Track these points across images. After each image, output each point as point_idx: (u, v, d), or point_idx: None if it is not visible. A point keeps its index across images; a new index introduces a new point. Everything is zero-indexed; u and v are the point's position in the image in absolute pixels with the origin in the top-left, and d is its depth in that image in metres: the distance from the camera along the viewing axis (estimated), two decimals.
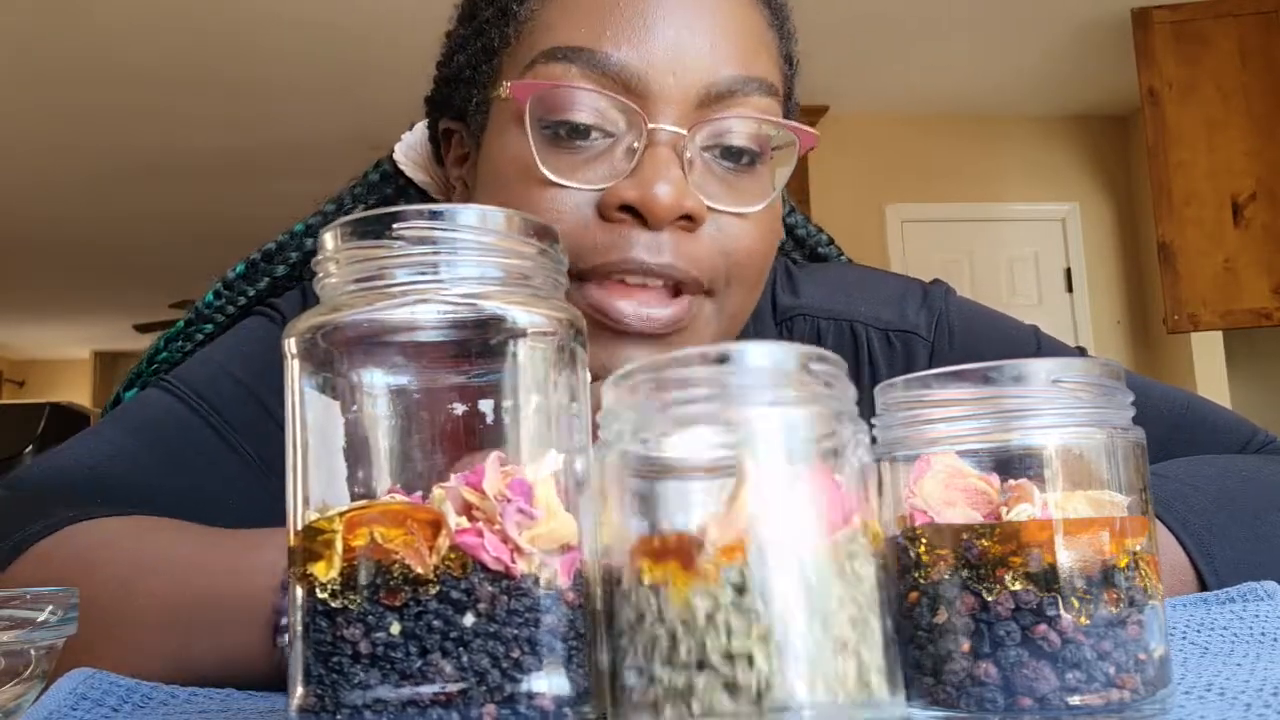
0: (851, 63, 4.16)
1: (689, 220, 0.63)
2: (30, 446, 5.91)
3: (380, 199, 0.83)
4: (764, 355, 0.33)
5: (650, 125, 0.63)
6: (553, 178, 0.63)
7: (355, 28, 3.68)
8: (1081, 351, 0.85)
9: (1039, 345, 0.81)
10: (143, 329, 7.21)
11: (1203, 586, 0.59)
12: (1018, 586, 0.35)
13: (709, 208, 0.64)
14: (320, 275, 0.36)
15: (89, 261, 6.67)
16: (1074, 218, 5.00)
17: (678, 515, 0.33)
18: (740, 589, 0.31)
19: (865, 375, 0.80)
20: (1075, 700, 0.35)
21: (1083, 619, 0.35)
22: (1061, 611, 0.35)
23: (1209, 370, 4.27)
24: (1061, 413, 0.37)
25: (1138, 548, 0.37)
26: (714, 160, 0.66)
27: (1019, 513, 0.36)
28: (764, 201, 0.67)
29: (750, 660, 0.30)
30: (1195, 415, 0.78)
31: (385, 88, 3.71)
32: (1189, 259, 3.76)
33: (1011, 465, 0.37)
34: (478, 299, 0.34)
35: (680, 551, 0.32)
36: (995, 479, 0.37)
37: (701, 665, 0.30)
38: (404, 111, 0.88)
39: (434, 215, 0.35)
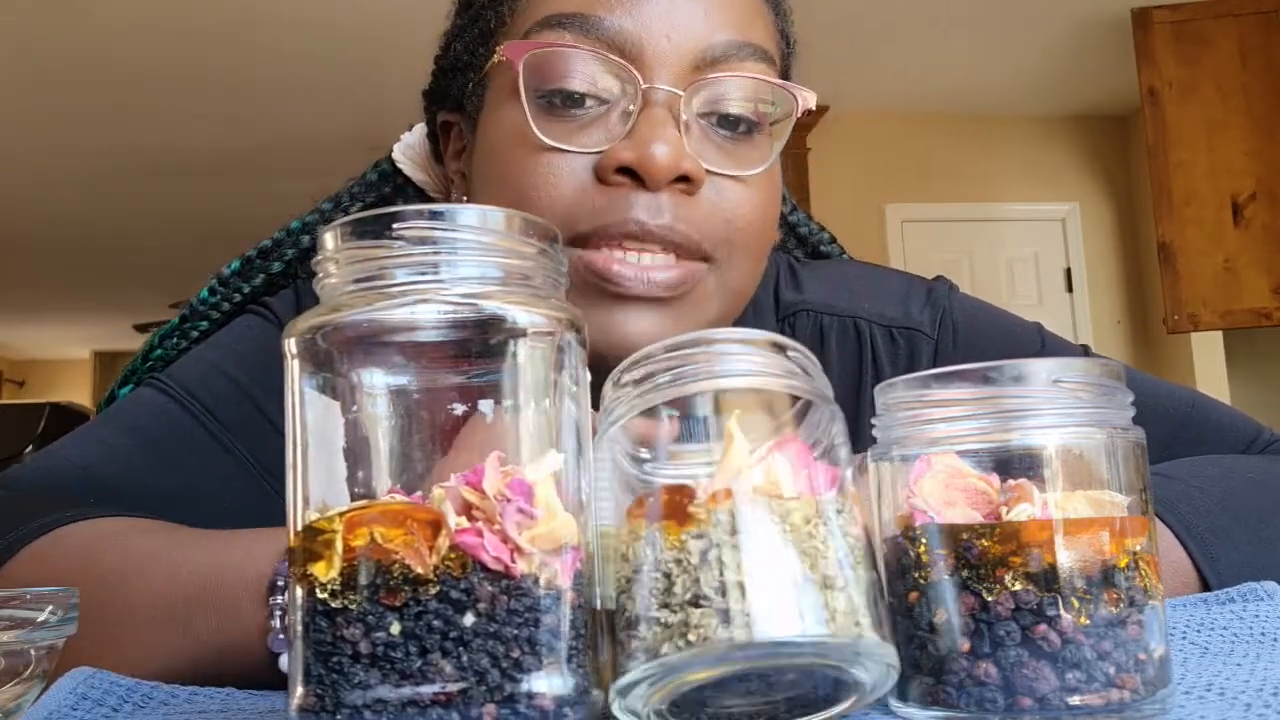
0: (851, 62, 4.16)
1: (687, 183, 0.63)
2: (30, 446, 5.91)
3: (378, 197, 0.83)
4: (742, 335, 0.37)
5: (645, 86, 0.63)
6: (549, 142, 0.63)
7: (355, 28, 3.67)
8: (1086, 350, 0.84)
9: (1043, 343, 0.81)
10: (142, 329, 7.21)
11: (1205, 589, 0.59)
12: (1018, 586, 0.35)
13: (707, 171, 0.64)
14: (320, 275, 0.36)
15: (89, 261, 6.67)
16: (1074, 218, 5.00)
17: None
18: (731, 528, 0.32)
19: (869, 372, 0.79)
20: (1075, 700, 0.35)
21: (1083, 619, 0.35)
22: (1061, 611, 0.35)
23: (1209, 370, 4.27)
24: (1061, 413, 0.37)
25: (1138, 548, 0.37)
26: (711, 128, 0.66)
27: (1019, 513, 0.36)
28: (762, 165, 0.67)
29: (743, 590, 0.31)
30: (1200, 413, 0.77)
31: (385, 88, 3.71)
32: (1189, 259, 3.75)
33: (1011, 465, 0.37)
34: (478, 299, 0.34)
35: (673, 503, 0.33)
36: (995, 479, 0.37)
37: (696, 602, 0.32)
38: (404, 111, 0.88)
39: (434, 215, 0.35)
